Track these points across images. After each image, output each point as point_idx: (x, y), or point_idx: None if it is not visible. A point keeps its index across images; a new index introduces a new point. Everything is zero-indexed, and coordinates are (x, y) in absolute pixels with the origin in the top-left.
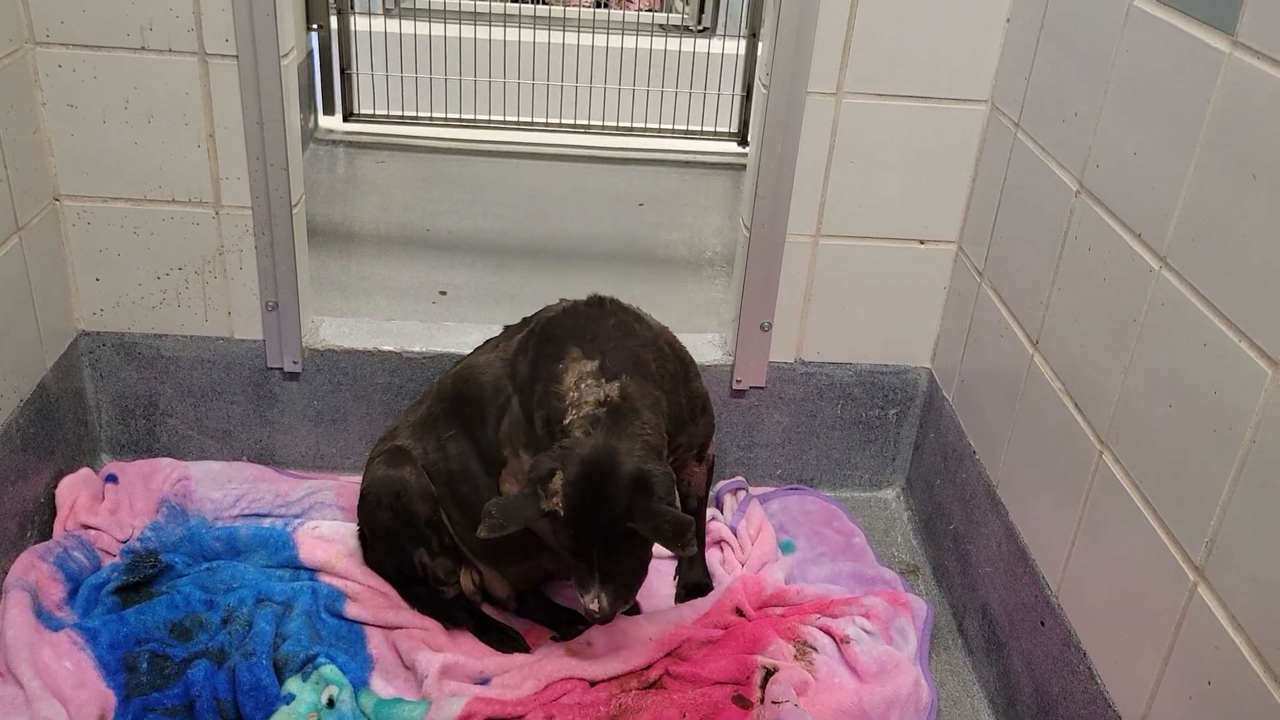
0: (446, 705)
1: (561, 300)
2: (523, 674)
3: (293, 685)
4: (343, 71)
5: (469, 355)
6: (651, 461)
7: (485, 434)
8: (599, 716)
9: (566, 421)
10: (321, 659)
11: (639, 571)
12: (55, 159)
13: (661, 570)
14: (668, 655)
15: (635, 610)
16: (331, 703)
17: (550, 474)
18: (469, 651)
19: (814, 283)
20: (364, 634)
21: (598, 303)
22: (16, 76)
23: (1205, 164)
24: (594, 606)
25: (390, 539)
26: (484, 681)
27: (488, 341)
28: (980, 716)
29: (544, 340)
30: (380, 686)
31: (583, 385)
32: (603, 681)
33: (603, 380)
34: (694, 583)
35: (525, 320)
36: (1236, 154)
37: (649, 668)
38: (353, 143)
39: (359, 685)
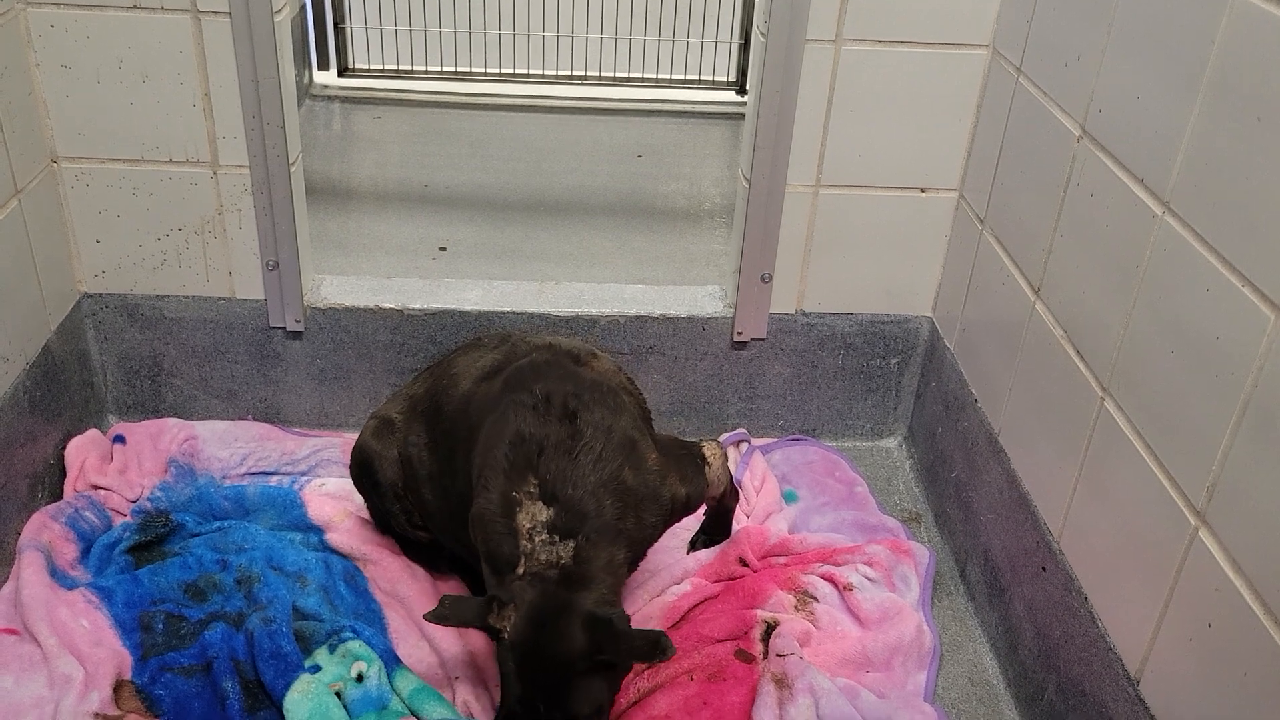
0: None
1: (539, 353)
2: None
3: (320, 656)
4: (336, 26)
5: (462, 357)
6: (604, 607)
7: (450, 464)
8: (621, 710)
9: (520, 571)
10: (347, 633)
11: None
12: (51, 120)
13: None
14: (673, 628)
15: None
16: (360, 678)
17: (505, 604)
18: (479, 646)
19: (814, 233)
20: (383, 616)
21: (570, 416)
22: (9, 37)
23: (1209, 107)
24: None
25: (369, 500)
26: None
27: (480, 346)
28: (982, 661)
29: (502, 433)
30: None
31: (536, 539)
32: None
33: (556, 538)
34: (713, 542)
35: (505, 352)
36: (1241, 97)
37: None
38: (348, 98)
39: (391, 663)
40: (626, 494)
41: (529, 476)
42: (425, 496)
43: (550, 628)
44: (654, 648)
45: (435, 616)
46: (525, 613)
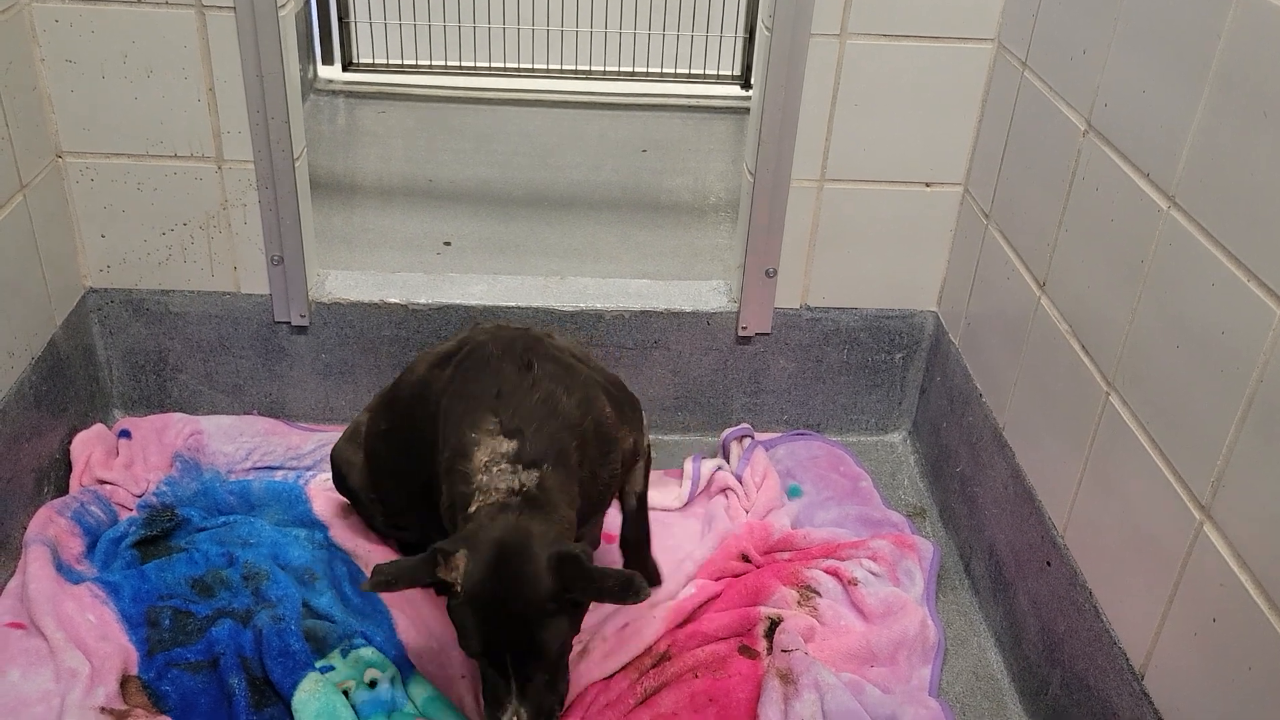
0: None
1: (494, 331)
2: None
3: (334, 659)
4: (341, 20)
5: (418, 357)
6: (568, 543)
7: (406, 454)
8: (628, 710)
9: (472, 509)
10: (359, 639)
11: (564, 675)
12: (56, 115)
13: (667, 522)
14: (677, 627)
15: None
16: (373, 684)
17: (454, 551)
18: None
19: (819, 228)
20: (391, 617)
21: (526, 365)
22: (14, 32)
23: (1215, 101)
24: None
25: (351, 502)
26: None
27: (438, 349)
28: (987, 655)
29: (462, 395)
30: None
31: (494, 469)
32: (619, 672)
33: (519, 467)
34: (634, 542)
35: (460, 339)
36: (1247, 91)
37: (657, 642)
38: (353, 93)
39: (406, 670)
40: (584, 439)
41: (488, 417)
42: (388, 488)
43: (512, 571)
44: (626, 588)
45: (377, 584)
46: (483, 557)
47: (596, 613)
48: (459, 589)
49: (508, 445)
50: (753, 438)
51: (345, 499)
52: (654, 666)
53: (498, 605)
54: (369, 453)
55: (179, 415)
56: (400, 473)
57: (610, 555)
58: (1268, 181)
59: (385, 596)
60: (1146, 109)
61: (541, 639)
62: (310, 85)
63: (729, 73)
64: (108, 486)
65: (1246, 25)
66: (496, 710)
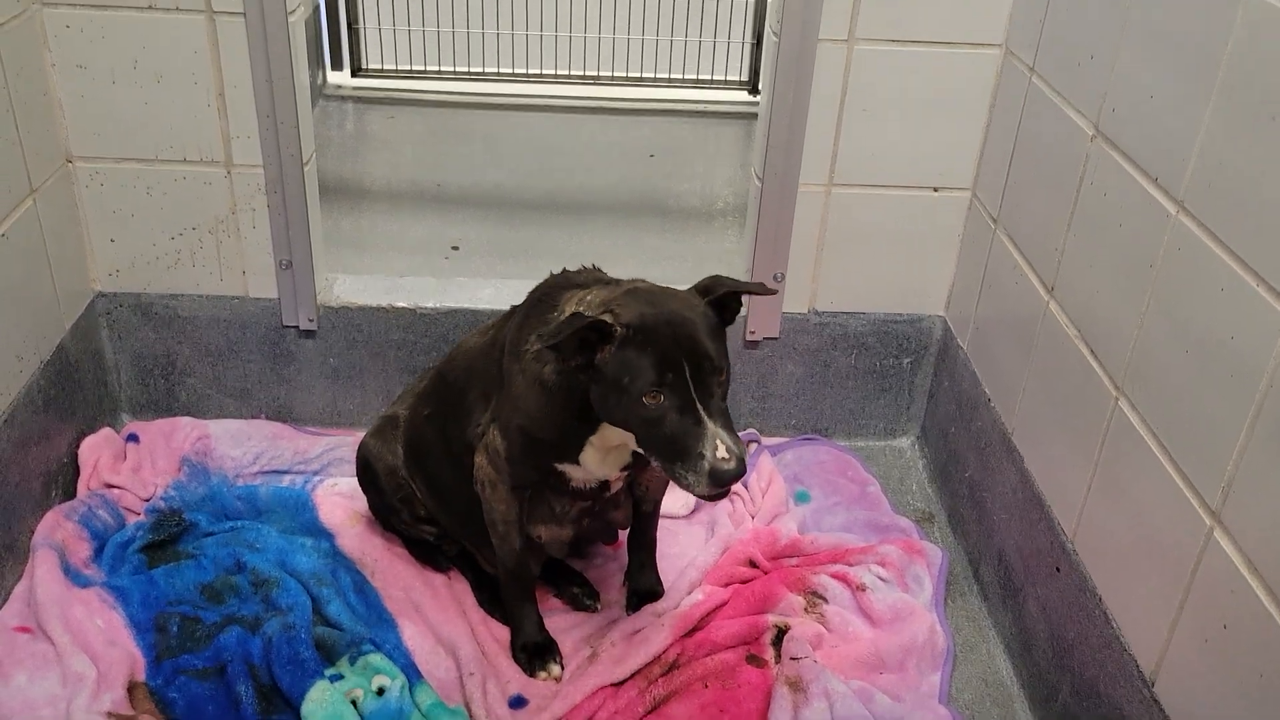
0: None
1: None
2: (553, 694)
3: (343, 667)
4: (350, 26)
5: (457, 344)
6: None
7: (458, 420)
8: (637, 717)
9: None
10: (367, 645)
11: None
12: (66, 120)
13: (673, 529)
14: (686, 636)
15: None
16: (381, 691)
17: (598, 315)
18: (492, 650)
19: (827, 232)
20: (398, 627)
21: (593, 267)
22: (25, 37)
23: (1223, 106)
24: (723, 454)
25: (371, 498)
26: (515, 701)
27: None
28: (996, 661)
29: (534, 302)
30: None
31: (589, 299)
32: (628, 679)
33: (613, 289)
34: (646, 589)
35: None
36: (1255, 95)
37: (666, 650)
38: (361, 98)
39: (414, 678)
40: None
41: (566, 293)
42: (432, 471)
43: (667, 298)
44: (764, 285)
45: (548, 336)
46: (634, 302)
47: (605, 619)
48: (619, 329)
49: (595, 289)
50: (759, 443)
51: (364, 498)
52: (663, 675)
53: (665, 326)
54: (411, 441)
55: (187, 419)
56: (447, 453)
57: (613, 568)
58: (1276, 186)
59: (392, 605)
60: (1154, 114)
61: (714, 347)
62: (319, 91)
63: (737, 78)
64: (115, 490)
65: (1254, 30)
66: (695, 444)
